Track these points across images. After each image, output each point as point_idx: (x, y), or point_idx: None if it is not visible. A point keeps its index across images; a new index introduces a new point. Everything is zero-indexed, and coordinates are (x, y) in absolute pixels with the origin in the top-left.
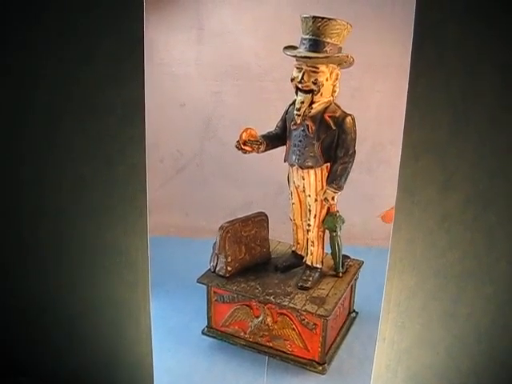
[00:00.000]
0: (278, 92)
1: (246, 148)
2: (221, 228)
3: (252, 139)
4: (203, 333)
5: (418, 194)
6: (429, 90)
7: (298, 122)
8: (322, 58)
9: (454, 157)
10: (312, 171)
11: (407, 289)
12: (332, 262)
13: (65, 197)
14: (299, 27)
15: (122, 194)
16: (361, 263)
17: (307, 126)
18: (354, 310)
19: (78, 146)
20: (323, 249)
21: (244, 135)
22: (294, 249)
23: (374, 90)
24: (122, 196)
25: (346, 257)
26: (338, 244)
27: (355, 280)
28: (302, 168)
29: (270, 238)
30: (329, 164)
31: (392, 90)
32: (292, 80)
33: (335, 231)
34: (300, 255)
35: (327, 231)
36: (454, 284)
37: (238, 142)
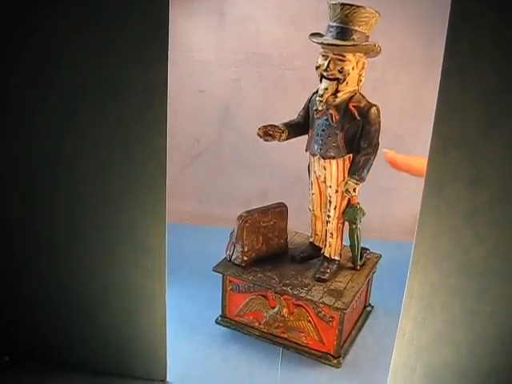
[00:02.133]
0: (300, 81)
1: (268, 136)
2: (239, 217)
3: (273, 128)
4: (217, 322)
5: (446, 188)
6: (462, 83)
7: (320, 108)
8: (349, 46)
9: (484, 153)
10: (334, 161)
11: (430, 284)
12: (350, 254)
13: (82, 181)
14: (323, 15)
15: (140, 178)
16: (379, 256)
17: (331, 115)
18: (369, 304)
19: (98, 129)
20: (342, 241)
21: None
22: (311, 240)
23: (397, 82)
24: (141, 181)
25: (364, 249)
26: (357, 236)
27: (373, 273)
28: (323, 158)
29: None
30: (351, 155)
31: (414, 83)
32: (317, 68)
33: (355, 223)
34: (318, 246)
35: (346, 223)
36: (477, 282)
37: (259, 129)
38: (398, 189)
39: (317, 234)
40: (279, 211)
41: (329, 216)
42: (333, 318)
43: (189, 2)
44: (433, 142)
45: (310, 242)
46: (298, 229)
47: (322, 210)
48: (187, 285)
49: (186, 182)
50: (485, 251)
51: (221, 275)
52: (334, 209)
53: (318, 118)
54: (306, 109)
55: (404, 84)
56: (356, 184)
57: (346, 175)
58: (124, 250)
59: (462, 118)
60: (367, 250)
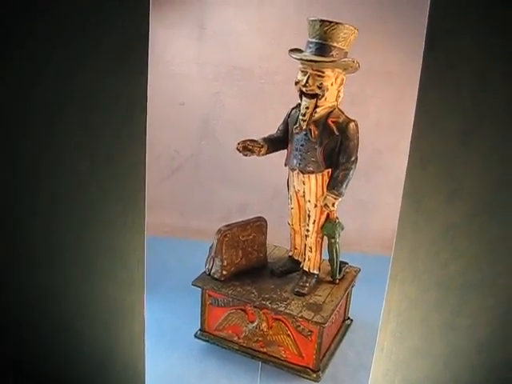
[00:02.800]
0: (279, 95)
1: (247, 151)
2: (218, 231)
3: (252, 143)
4: (196, 336)
5: (424, 202)
6: (439, 98)
7: (304, 127)
8: (328, 62)
9: (462, 166)
10: (313, 176)
11: (408, 299)
12: (329, 268)
13: (61, 193)
14: (303, 30)
15: (120, 192)
16: (357, 270)
17: (310, 130)
18: (348, 318)
19: (78, 141)
20: (321, 255)
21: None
22: (291, 254)
23: (375, 97)
24: (121, 194)
25: (343, 263)
26: (336, 251)
27: (352, 287)
28: (302, 173)
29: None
30: (330, 170)
31: (392, 97)
32: (296, 83)
33: (334, 238)
34: (297, 261)
35: (325, 237)
36: (455, 296)
37: (238, 144)
38: (376, 202)
39: (296, 248)
40: (258, 225)
41: (308, 230)
42: (312, 332)
43: (168, 15)
44: (411, 156)
45: (290, 256)
46: (278, 242)
47: (301, 225)
48: (166, 299)
49: (165, 195)
50: (463, 265)
51: (200, 289)
52: (313, 223)
53: (297, 133)
54: (286, 123)
55: (382, 98)
56: (335, 199)
57: (325, 190)
58: (103, 263)
59: (440, 131)
60: (346, 263)
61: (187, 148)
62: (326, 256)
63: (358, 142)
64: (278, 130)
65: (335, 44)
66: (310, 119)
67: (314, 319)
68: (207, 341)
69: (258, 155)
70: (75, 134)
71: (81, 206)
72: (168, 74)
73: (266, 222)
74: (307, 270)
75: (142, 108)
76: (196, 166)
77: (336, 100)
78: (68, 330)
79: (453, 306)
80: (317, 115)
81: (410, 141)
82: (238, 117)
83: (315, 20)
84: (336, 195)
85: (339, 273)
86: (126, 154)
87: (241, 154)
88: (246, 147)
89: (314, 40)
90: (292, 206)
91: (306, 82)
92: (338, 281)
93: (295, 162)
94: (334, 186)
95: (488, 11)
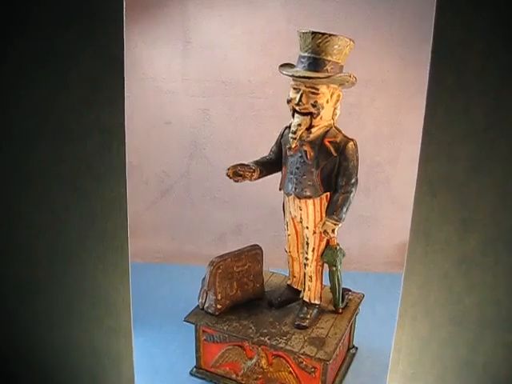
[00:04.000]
0: (271, 109)
1: (238, 177)
2: (211, 263)
3: (243, 168)
4: (191, 373)
5: (434, 233)
6: (447, 119)
7: (294, 145)
8: (322, 78)
9: (475, 193)
10: (310, 201)
11: (419, 337)
12: (331, 295)
13: (37, 234)
14: (294, 41)
15: (100, 230)
16: (361, 297)
17: (305, 151)
18: (353, 346)
19: (52, 176)
20: (322, 283)
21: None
22: (289, 283)
23: (372, 107)
24: (101, 233)
25: (345, 290)
26: (337, 279)
27: (356, 315)
28: (299, 198)
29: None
30: (329, 193)
31: (390, 107)
32: (288, 102)
33: (335, 265)
34: (296, 289)
35: (326, 264)
36: (470, 331)
37: (228, 169)
38: (377, 217)
39: (294, 276)
40: (253, 254)
41: (307, 259)
42: (315, 368)
43: (151, 30)
44: (418, 184)
45: (288, 285)
46: (275, 264)
47: (299, 252)
48: (159, 332)
49: (155, 219)
50: (478, 298)
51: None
52: (312, 251)
53: (292, 155)
54: (279, 144)
55: (380, 108)
56: (335, 224)
57: (324, 215)
58: (86, 307)
59: (450, 156)
60: (349, 291)
61: (176, 169)
62: (326, 280)
63: (357, 162)
64: (271, 151)
65: (329, 58)
66: (301, 138)
67: (318, 355)
68: (203, 378)
69: (251, 180)
70: (48, 167)
71: (58, 246)
72: (153, 92)
73: (261, 249)
74: (308, 300)
75: (119, 138)
76: (186, 187)
77: (332, 118)
78: (49, 382)
79: (468, 342)
80: (312, 135)
81: (418, 166)
82: (228, 134)
83: (306, 32)
84: (336, 221)
85: (342, 301)
86: (104, 189)
87: None
88: (237, 173)
89: (306, 54)
90: (289, 232)
91: (299, 100)
92: (341, 310)
93: (290, 186)
94: (334, 210)
95: (499, 23)
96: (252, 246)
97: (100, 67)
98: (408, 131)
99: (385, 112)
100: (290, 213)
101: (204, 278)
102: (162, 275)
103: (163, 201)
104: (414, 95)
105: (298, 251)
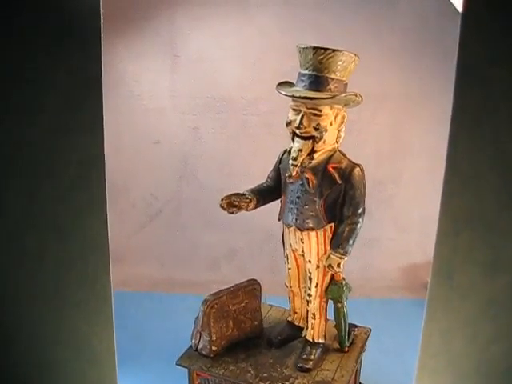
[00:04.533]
0: (265, 127)
1: (233, 208)
2: (204, 302)
3: (238, 198)
4: None
5: (458, 276)
6: (473, 149)
7: (294, 174)
8: (325, 98)
9: (503, 232)
10: (313, 233)
11: None
12: (335, 331)
13: (10, 279)
14: (288, 53)
15: (80, 273)
16: (368, 332)
17: (307, 179)
18: (360, 383)
19: (25, 215)
20: (326, 321)
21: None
22: (290, 319)
23: (372, 123)
24: (82, 276)
25: (351, 326)
26: (344, 316)
27: (363, 353)
28: (300, 230)
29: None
30: (333, 224)
31: (392, 123)
32: (288, 124)
33: (341, 302)
34: (298, 326)
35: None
36: (498, 383)
37: (222, 200)
38: (379, 238)
39: (296, 312)
40: (251, 290)
41: (309, 295)
42: None
43: (136, 44)
44: (441, 221)
45: (289, 321)
46: (271, 290)
47: (301, 286)
48: (148, 372)
49: (144, 244)
50: (506, 347)
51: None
52: (316, 286)
53: (292, 183)
54: (277, 170)
55: (381, 124)
56: (340, 258)
57: (328, 248)
58: (67, 359)
59: (475, 191)
60: (355, 327)
61: (165, 191)
62: (330, 313)
63: (364, 189)
64: (268, 177)
65: (333, 75)
66: (303, 165)
67: None
68: None
69: (247, 210)
70: (20, 203)
71: (34, 293)
72: (140, 110)
73: (259, 284)
74: (311, 339)
75: (98, 169)
76: (176, 210)
77: (336, 141)
78: None
79: None
80: (315, 161)
81: (440, 202)
82: (220, 153)
83: (307, 48)
84: (341, 254)
85: (348, 338)
86: (83, 227)
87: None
88: (232, 203)
89: (307, 72)
90: (289, 266)
91: (300, 122)
92: (347, 349)
93: (291, 217)
94: (339, 243)
95: None
96: (249, 280)
97: (76, 89)
98: (411, 147)
99: (386, 128)
100: (291, 245)
101: (197, 317)
102: (151, 305)
103: (152, 225)
104: (416, 109)
105: (299, 286)
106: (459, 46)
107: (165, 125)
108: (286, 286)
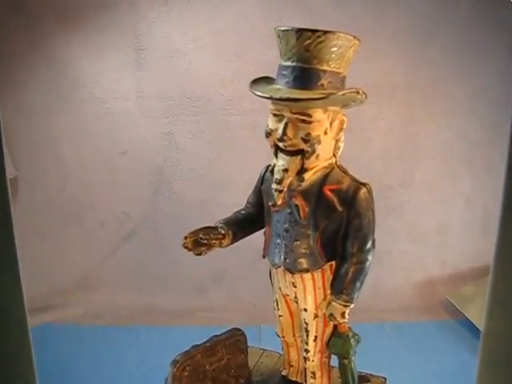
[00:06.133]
0: (250, 128)
1: (201, 249)
2: (174, 364)
3: (207, 234)
4: None
5: None
6: None
7: (279, 202)
8: (316, 99)
9: None
10: (308, 276)
11: None
12: (339, 379)
13: None
14: (272, 41)
15: None
16: (383, 382)
17: (296, 206)
18: None
19: None
20: (329, 378)
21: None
22: (284, 373)
23: (378, 118)
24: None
25: (362, 379)
26: (351, 373)
27: None
28: (291, 272)
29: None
30: (333, 262)
31: (399, 116)
32: (268, 135)
33: (347, 358)
34: (295, 382)
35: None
36: None
37: (185, 238)
38: (389, 251)
39: (292, 366)
40: (233, 343)
41: (307, 351)
42: None
43: (93, 38)
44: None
45: (283, 376)
46: (268, 318)
47: (296, 336)
48: None
49: (117, 269)
50: None
51: None
52: (314, 340)
53: (277, 211)
54: (258, 192)
55: (387, 119)
56: (345, 307)
57: (328, 292)
58: None
59: None
60: (368, 380)
61: (139, 208)
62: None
63: (373, 216)
64: (248, 203)
65: (325, 67)
66: (291, 187)
67: None
68: None
69: (222, 247)
70: None
71: None
72: (102, 115)
73: (243, 334)
74: None
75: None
76: (153, 228)
77: (334, 155)
78: None
79: None
80: (306, 183)
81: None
82: (199, 162)
83: (288, 30)
84: (346, 302)
85: None
86: None
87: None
88: (198, 242)
89: (289, 63)
90: (280, 313)
91: (283, 133)
92: None
93: (278, 255)
94: (343, 288)
95: None
96: (230, 331)
97: None
98: (423, 146)
99: (393, 123)
100: (281, 289)
101: (166, 380)
102: (127, 340)
103: (125, 247)
104: (427, 101)
105: (294, 335)
106: None
107: (132, 131)
108: (278, 335)
